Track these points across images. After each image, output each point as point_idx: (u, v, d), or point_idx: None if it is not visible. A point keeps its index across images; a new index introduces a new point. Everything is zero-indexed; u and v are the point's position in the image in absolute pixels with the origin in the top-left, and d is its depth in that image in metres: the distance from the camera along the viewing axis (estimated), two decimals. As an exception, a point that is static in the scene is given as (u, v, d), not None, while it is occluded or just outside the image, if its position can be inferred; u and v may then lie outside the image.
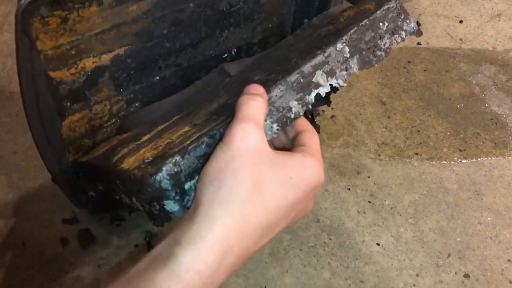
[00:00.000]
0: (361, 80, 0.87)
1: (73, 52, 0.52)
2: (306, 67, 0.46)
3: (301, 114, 0.45)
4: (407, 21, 0.54)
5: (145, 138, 0.49)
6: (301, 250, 0.62)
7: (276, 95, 0.44)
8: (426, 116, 0.82)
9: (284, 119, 0.43)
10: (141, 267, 0.32)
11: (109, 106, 0.59)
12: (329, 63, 0.47)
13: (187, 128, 0.45)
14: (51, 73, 0.51)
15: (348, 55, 0.49)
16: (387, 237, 0.65)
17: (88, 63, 0.55)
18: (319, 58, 0.47)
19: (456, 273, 0.62)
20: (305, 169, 0.38)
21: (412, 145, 0.77)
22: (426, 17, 1.03)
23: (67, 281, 0.57)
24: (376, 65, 0.51)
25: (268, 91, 0.43)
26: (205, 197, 0.33)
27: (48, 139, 0.51)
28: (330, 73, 0.47)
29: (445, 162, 0.75)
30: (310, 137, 0.43)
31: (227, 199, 0.33)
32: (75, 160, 0.55)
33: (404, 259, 0.62)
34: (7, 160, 0.68)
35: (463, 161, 0.75)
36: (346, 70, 0.48)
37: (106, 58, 0.56)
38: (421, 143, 0.77)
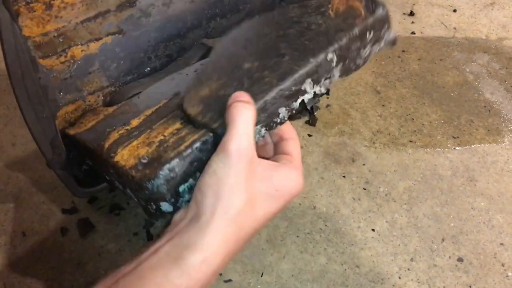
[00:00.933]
0: (356, 69, 0.87)
1: (61, 40, 0.54)
2: (298, 75, 0.46)
3: (286, 119, 0.46)
4: (389, 30, 0.55)
5: (134, 123, 0.50)
6: (297, 236, 0.63)
7: (270, 102, 0.45)
8: (420, 104, 0.83)
9: (272, 124, 0.46)
10: (152, 263, 0.37)
11: (102, 98, 0.60)
12: (318, 71, 0.48)
13: (178, 125, 0.46)
14: (41, 61, 0.53)
15: (334, 64, 0.49)
16: (382, 223, 0.66)
17: (77, 51, 0.56)
18: (310, 67, 0.47)
19: (450, 257, 0.63)
20: (289, 182, 0.43)
21: (406, 133, 0.78)
22: (420, 6, 1.04)
23: (68, 269, 0.57)
24: (351, 74, 0.53)
25: (263, 97, 0.44)
26: (207, 208, 0.38)
27: (38, 118, 0.51)
28: (316, 81, 0.48)
29: (439, 149, 0.76)
30: (295, 145, 0.47)
31: (226, 211, 0.38)
32: (62, 131, 0.55)
33: (399, 244, 0.64)
34: (6, 151, 0.68)
35: (457, 148, 0.76)
36: (329, 79, 0.50)
37: (94, 47, 0.57)
38: (415, 131, 0.78)
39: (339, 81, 0.83)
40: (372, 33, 0.53)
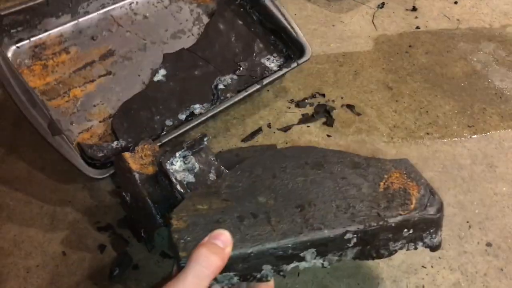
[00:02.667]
0: (366, 68, 0.89)
1: (61, 86, 0.70)
2: (301, 240, 0.42)
3: (269, 279, 0.43)
4: (434, 235, 0.49)
5: None
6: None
7: (256, 255, 0.41)
8: (433, 96, 0.85)
9: (249, 277, 0.42)
10: None
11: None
12: (328, 245, 0.44)
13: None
14: (49, 103, 0.68)
15: (351, 245, 0.45)
16: (409, 215, 0.67)
17: (77, 92, 0.71)
18: (320, 238, 0.43)
19: (478, 242, 0.64)
20: None
21: (422, 125, 0.79)
22: (421, 1, 1.06)
23: (110, 284, 0.59)
24: (370, 260, 0.47)
25: (251, 247, 0.41)
26: None
27: (33, 107, 0.62)
28: (322, 254, 0.44)
29: (456, 139, 0.77)
30: None
31: None
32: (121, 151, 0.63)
33: (428, 234, 0.65)
34: (37, 175, 0.70)
35: (473, 136, 0.78)
36: (340, 257, 0.45)
37: (91, 87, 0.72)
38: (431, 123, 0.80)
39: (349, 81, 0.85)
40: (412, 230, 0.47)
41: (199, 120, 0.69)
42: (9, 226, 0.64)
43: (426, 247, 0.49)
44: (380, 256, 0.47)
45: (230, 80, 0.77)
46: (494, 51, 0.94)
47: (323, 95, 0.83)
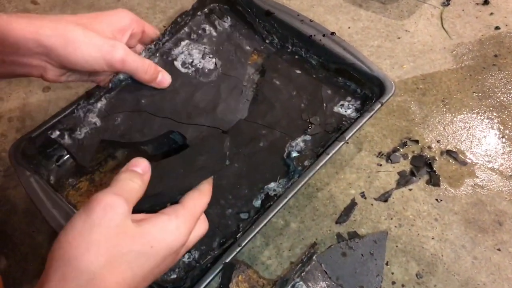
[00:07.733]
0: (453, 93, 0.74)
1: None
2: None
3: None
4: None
5: None
6: None
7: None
8: (543, 125, 0.71)
9: None
10: None
11: None
12: None
13: None
14: None
15: None
16: None
17: None
18: None
19: None
20: (167, 235, 0.39)
21: (544, 169, 0.66)
22: (490, -11, 0.90)
23: None
24: None
25: None
26: (55, 274, 0.32)
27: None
28: None
29: None
30: (192, 195, 0.44)
31: (76, 277, 0.32)
32: None
33: None
34: None
35: None
36: None
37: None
38: (552, 165, 0.66)
39: (439, 115, 0.70)
40: None
41: (280, 206, 0.55)
42: None
43: None
44: None
45: (303, 143, 0.61)
46: None
47: (416, 141, 0.69)
